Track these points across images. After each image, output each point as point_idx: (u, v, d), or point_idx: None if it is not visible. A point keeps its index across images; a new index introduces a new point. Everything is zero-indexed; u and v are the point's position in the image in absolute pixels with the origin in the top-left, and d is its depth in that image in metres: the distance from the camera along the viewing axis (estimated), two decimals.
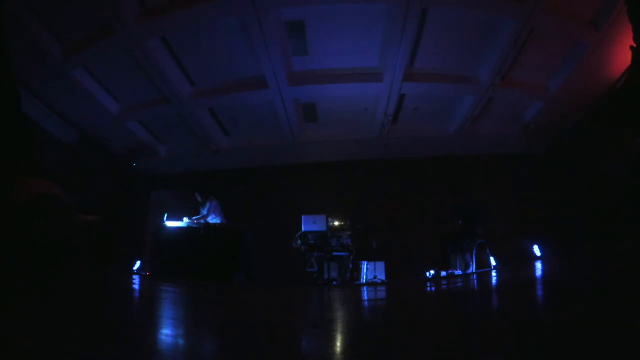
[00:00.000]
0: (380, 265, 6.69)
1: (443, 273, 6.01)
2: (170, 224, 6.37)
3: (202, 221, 6.51)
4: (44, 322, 1.20)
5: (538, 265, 5.10)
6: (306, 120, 7.66)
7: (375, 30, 5.39)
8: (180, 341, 1.23)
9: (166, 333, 1.40)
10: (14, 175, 0.92)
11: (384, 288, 4.78)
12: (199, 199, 6.84)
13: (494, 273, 5.13)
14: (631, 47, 1.88)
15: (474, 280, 4.39)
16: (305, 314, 2.46)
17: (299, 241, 6.26)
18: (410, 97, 6.87)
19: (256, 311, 2.41)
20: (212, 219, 6.64)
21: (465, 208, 6.22)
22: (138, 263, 7.01)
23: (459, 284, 4.23)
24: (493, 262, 5.92)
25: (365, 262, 6.64)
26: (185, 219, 6.46)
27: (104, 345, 1.02)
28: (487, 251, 5.94)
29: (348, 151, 8.31)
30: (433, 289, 3.93)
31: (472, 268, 5.71)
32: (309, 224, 6.26)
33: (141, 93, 6.66)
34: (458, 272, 5.94)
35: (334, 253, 6.23)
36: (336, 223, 6.54)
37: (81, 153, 7.39)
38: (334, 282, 6.08)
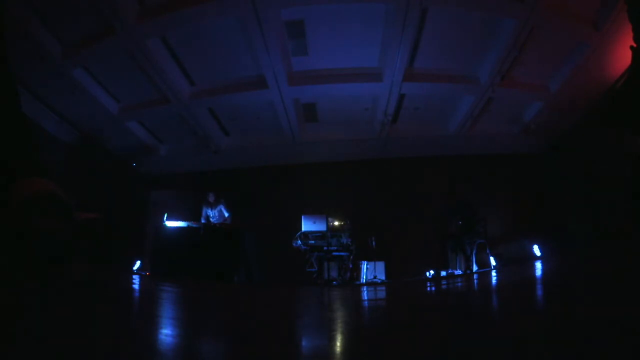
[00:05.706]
0: (380, 265, 6.70)
1: (443, 273, 6.01)
2: (170, 224, 6.37)
3: (229, 221, 6.58)
4: (43, 321, 1.20)
5: (538, 265, 5.10)
6: (306, 120, 7.66)
7: (375, 30, 5.39)
8: (181, 341, 1.23)
9: (166, 333, 1.40)
10: (14, 174, 0.92)
11: (383, 288, 4.78)
12: (211, 199, 6.84)
13: (494, 273, 5.13)
14: (631, 47, 1.88)
15: (474, 280, 4.39)
16: (305, 313, 2.46)
17: (299, 241, 6.26)
18: (410, 97, 6.87)
19: (256, 311, 2.42)
20: (217, 220, 6.66)
21: (462, 209, 6.23)
22: (138, 263, 7.01)
23: (459, 284, 4.23)
24: (493, 262, 5.93)
25: (365, 262, 6.64)
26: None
27: (104, 345, 1.02)
28: (487, 251, 5.94)
29: (348, 151, 8.31)
30: (433, 289, 3.93)
31: (473, 268, 5.72)
32: (309, 224, 6.26)
33: (141, 93, 6.66)
34: (458, 272, 5.95)
35: (334, 253, 6.23)
36: (336, 223, 6.54)
37: (81, 153, 7.39)
38: (334, 282, 6.08)
